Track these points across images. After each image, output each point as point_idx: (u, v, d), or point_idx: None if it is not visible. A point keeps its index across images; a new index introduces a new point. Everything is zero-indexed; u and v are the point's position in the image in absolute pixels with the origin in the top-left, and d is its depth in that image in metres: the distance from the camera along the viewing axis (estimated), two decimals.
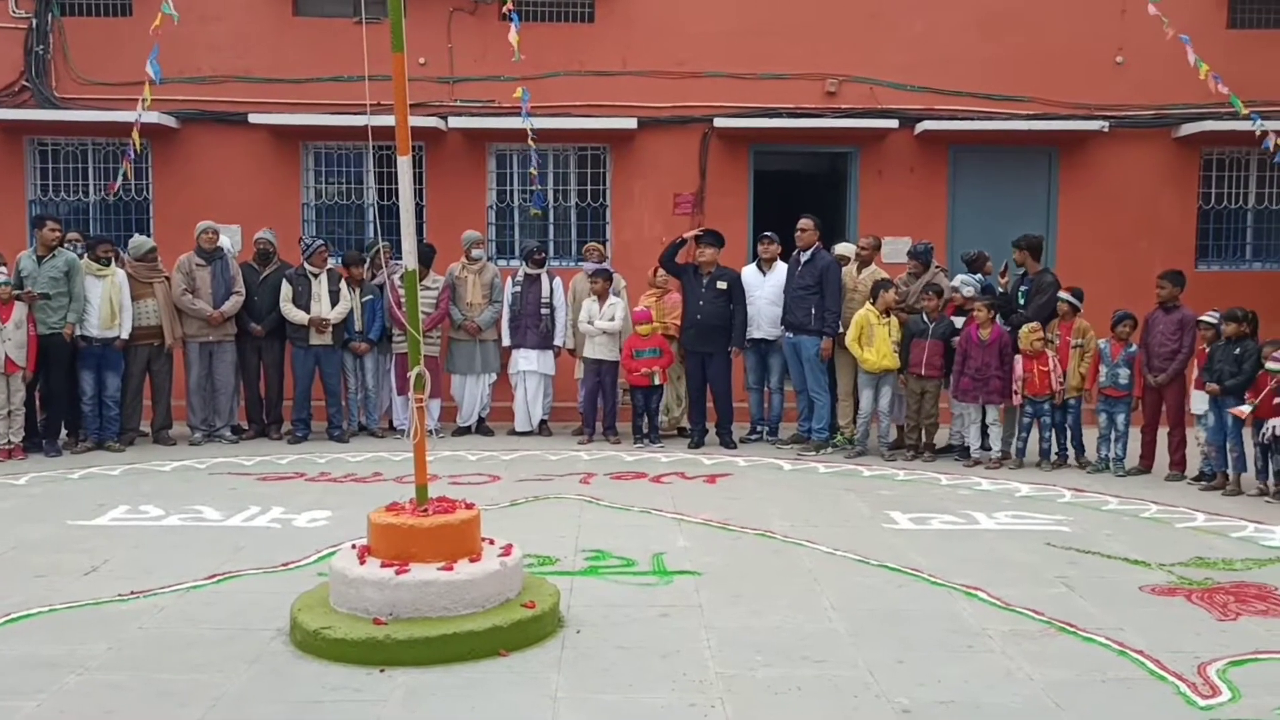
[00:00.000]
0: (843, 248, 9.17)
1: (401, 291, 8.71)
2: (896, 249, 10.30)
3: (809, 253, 8.34)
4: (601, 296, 9.00)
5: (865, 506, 6.50)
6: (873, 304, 8.27)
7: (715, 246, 8.56)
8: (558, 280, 9.33)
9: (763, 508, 6.42)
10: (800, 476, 7.71)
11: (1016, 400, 7.81)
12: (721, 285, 8.59)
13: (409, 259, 4.36)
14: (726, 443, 8.76)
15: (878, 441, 8.60)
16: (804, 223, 8.30)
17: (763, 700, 3.63)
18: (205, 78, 10.40)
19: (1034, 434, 8.32)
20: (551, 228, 10.84)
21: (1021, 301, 8.03)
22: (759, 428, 9.06)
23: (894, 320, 8.26)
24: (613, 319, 8.97)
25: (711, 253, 8.58)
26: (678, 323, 8.86)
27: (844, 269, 8.59)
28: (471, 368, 9.31)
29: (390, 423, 9.34)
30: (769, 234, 8.86)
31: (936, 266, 8.67)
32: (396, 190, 10.35)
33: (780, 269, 8.78)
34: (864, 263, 8.70)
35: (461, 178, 10.54)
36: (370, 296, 8.94)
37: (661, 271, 8.92)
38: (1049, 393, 7.76)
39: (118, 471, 7.51)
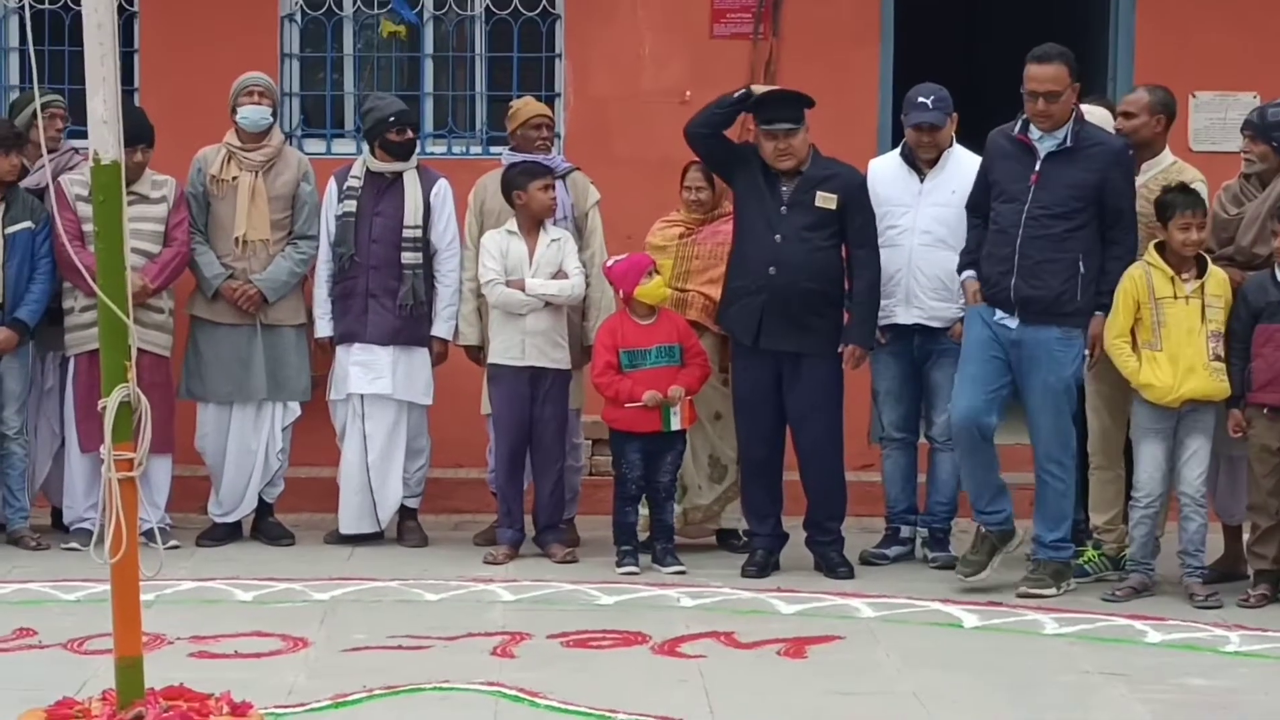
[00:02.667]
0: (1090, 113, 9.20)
1: (83, 212, 9.03)
2: (1216, 121, 10.59)
3: (1064, 131, 8.44)
4: (534, 224, 9.37)
5: None
6: (1159, 253, 8.42)
7: (794, 122, 8.88)
8: (442, 185, 9.75)
9: None
10: (1003, 644, 7.87)
11: None
12: (826, 203, 8.86)
13: (100, 136, 4.55)
14: (830, 562, 9.03)
15: (1181, 567, 8.67)
16: (1046, 72, 8.34)
17: None
18: None
19: None
20: (429, 66, 11.38)
21: None
22: (907, 528, 9.43)
23: (1213, 284, 8.41)
24: (565, 274, 9.29)
25: (796, 138, 8.88)
26: (714, 289, 9.27)
27: None
28: (243, 388, 9.68)
29: (57, 514, 9.84)
30: (932, 92, 9.15)
31: None
32: None
33: (961, 167, 9.07)
34: (1144, 147, 8.89)
35: None
36: (24, 225, 9.35)
37: (689, 179, 9.45)
38: None
39: None
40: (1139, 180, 8.66)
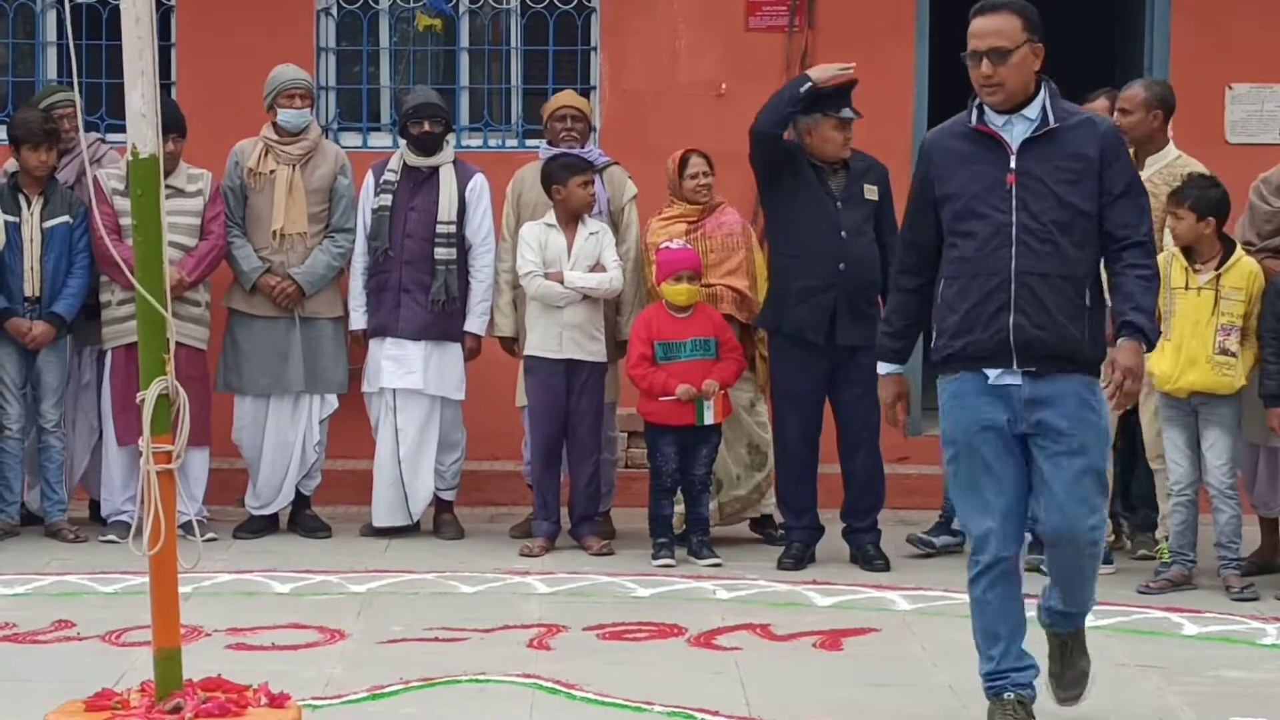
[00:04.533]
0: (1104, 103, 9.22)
1: (120, 206, 8.93)
2: (1253, 113, 10.65)
3: (1038, 107, 6.12)
4: (572, 217, 9.32)
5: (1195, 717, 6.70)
6: (1181, 251, 8.45)
7: (841, 112, 8.92)
8: (478, 181, 9.73)
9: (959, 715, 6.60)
10: (1038, 637, 7.81)
11: None
12: (871, 194, 8.99)
13: (139, 129, 4.60)
14: (866, 554, 9.04)
15: (1217, 559, 8.65)
16: (989, 24, 5.94)
17: None
18: None
19: None
20: (465, 59, 11.35)
21: None
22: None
23: (1232, 276, 8.41)
24: (603, 267, 9.28)
25: (843, 133, 8.95)
26: (735, 279, 9.30)
27: None
28: (280, 380, 9.62)
29: (95, 506, 9.75)
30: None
31: None
32: None
33: None
34: (1145, 142, 8.87)
35: None
36: (62, 219, 9.43)
37: (695, 165, 9.40)
38: None
39: None
40: (1143, 175, 8.51)
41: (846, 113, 8.86)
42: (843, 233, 8.84)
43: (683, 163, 9.30)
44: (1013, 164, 5.91)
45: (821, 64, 9.18)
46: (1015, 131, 5.97)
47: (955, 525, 9.22)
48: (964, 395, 6.08)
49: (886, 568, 8.89)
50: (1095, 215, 5.94)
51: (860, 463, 9.04)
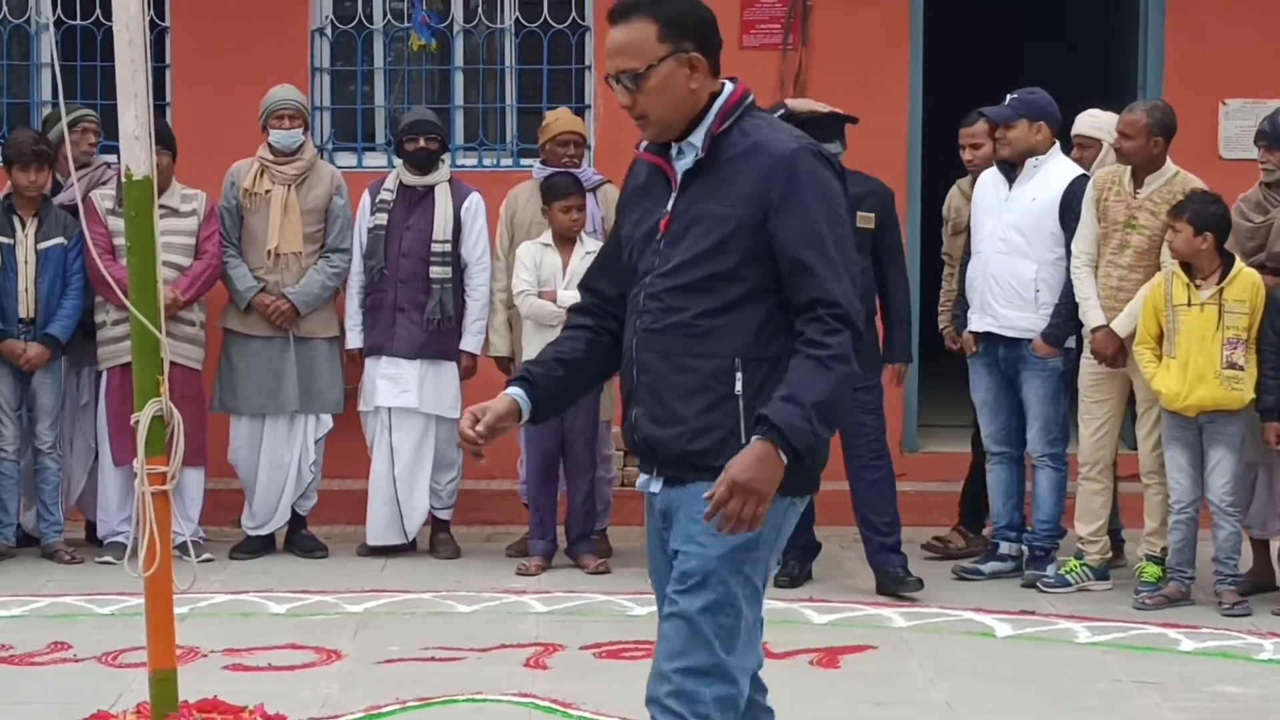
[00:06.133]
0: (1088, 124, 9.27)
1: (113, 226, 9.03)
2: (1246, 129, 10.33)
3: (702, 133, 4.74)
4: (564, 236, 9.31)
5: None
6: (1181, 267, 8.42)
7: (837, 142, 8.57)
8: (473, 200, 9.76)
9: None
10: (1036, 653, 7.87)
11: None
12: (866, 223, 8.66)
13: (132, 151, 4.60)
14: (891, 575, 8.79)
15: (1213, 574, 8.61)
16: (618, 38, 4.58)
17: None
18: None
19: None
20: (459, 79, 11.36)
21: None
22: (1008, 544, 9.22)
23: (1235, 289, 8.39)
24: None
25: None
26: None
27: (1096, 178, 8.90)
28: (276, 400, 9.61)
29: (91, 527, 9.78)
30: (1017, 92, 9.04)
31: None
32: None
33: (1050, 175, 8.95)
34: (1145, 165, 8.78)
35: None
36: (57, 241, 9.43)
37: None
38: None
39: None
40: (1142, 194, 8.59)
41: (830, 147, 7.93)
42: None
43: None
44: (670, 204, 4.51)
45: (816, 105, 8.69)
46: (683, 162, 4.54)
47: (1002, 550, 9.17)
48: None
49: (911, 584, 8.68)
50: (751, 275, 4.41)
51: (860, 484, 8.85)
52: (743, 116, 4.49)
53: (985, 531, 9.43)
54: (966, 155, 9.46)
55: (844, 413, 4.48)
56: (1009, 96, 8.98)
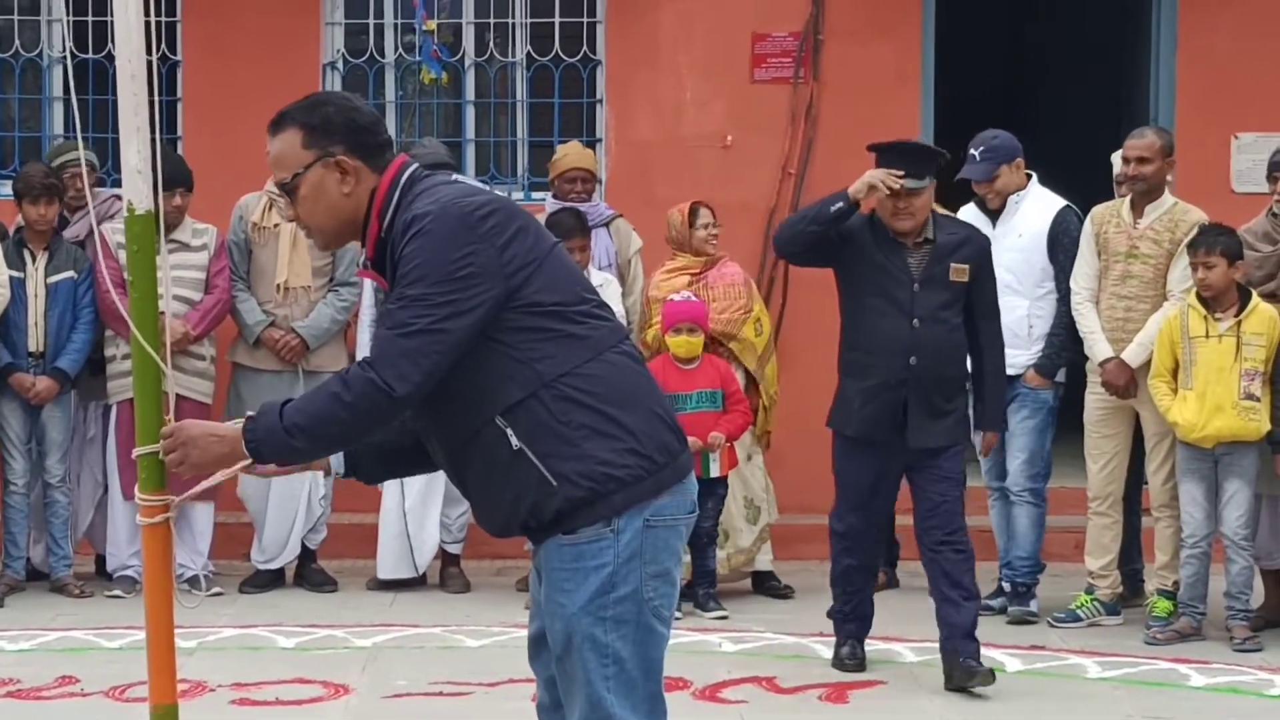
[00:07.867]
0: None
1: (122, 258, 9.03)
2: (1259, 162, 10.17)
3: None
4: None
5: None
6: (1198, 299, 8.42)
7: (920, 179, 7.74)
8: None
9: None
10: (1046, 688, 7.89)
11: None
12: (960, 275, 7.83)
13: (134, 186, 4.55)
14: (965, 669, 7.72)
15: (1225, 609, 8.61)
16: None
17: None
18: None
19: None
20: (471, 112, 11.40)
21: None
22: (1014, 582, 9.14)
23: (1253, 321, 8.41)
24: None
25: (919, 198, 7.76)
26: (731, 325, 9.37)
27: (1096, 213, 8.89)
28: None
29: (100, 561, 9.83)
30: (982, 143, 9.03)
31: None
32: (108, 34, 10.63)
33: (1030, 210, 8.96)
34: (1154, 191, 8.81)
35: (264, 11, 11.14)
36: (67, 274, 9.49)
37: (705, 216, 9.42)
38: None
39: None
40: (1143, 224, 8.62)
41: (908, 182, 7.62)
42: (915, 321, 7.71)
43: (692, 213, 9.33)
44: None
45: (874, 171, 7.75)
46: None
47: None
48: None
49: (992, 678, 7.65)
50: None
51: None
52: (400, 204, 4.26)
53: None
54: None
55: (333, 442, 4.42)
56: (971, 151, 8.93)
